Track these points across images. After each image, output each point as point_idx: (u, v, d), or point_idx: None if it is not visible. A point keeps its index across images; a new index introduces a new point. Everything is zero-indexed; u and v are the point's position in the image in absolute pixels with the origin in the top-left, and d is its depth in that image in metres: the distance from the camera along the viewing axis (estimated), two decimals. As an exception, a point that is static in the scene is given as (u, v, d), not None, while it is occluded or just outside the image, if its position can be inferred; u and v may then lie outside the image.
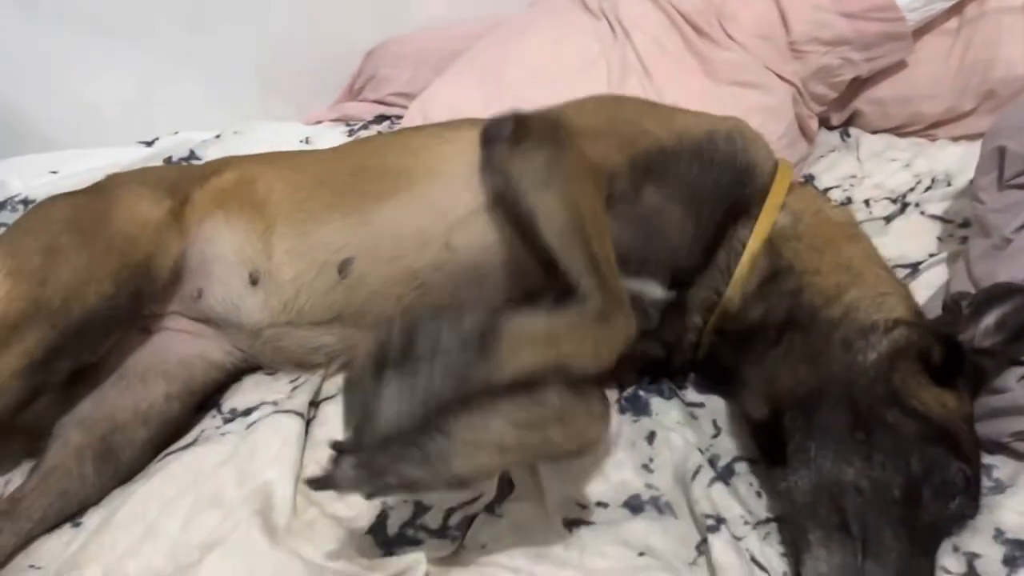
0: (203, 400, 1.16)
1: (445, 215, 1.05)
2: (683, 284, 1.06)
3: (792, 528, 0.93)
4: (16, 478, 1.06)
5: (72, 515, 1.00)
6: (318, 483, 0.72)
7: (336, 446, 0.72)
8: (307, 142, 1.81)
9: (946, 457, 0.89)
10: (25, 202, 1.61)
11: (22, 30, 1.81)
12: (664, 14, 1.67)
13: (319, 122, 1.95)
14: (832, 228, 1.08)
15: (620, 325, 0.80)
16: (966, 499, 0.91)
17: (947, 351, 0.95)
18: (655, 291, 1.04)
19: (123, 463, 1.05)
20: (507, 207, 0.97)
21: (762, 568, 0.89)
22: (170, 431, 1.10)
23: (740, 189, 1.07)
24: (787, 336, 1.01)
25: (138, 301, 1.07)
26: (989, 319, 0.98)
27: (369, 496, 0.73)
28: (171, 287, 1.13)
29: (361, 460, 0.70)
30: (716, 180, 1.05)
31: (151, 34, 1.90)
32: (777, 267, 1.05)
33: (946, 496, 0.89)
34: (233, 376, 1.19)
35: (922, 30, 1.68)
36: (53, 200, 1.18)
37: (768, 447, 1.00)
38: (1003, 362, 0.99)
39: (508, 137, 0.97)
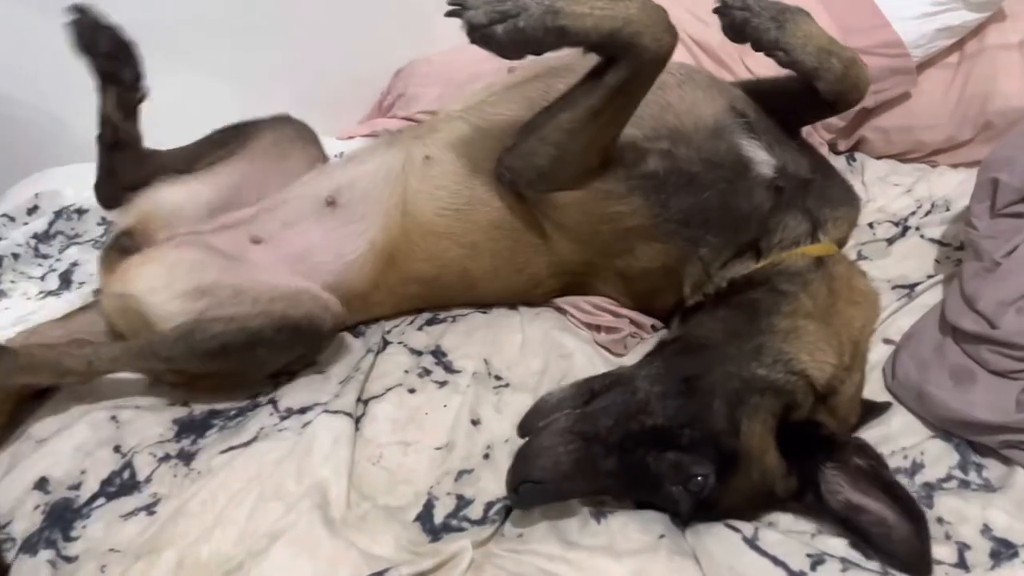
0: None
1: None
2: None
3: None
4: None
5: None
6: (452, 12, 1.01)
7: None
8: (341, 157, 1.90)
9: (708, 462, 0.97)
10: (80, 211, 1.70)
11: (64, 41, 1.90)
12: (684, 47, 1.76)
13: (352, 137, 2.04)
14: (848, 288, 1.20)
15: None
16: (684, 496, 0.98)
17: (808, 427, 1.04)
18: (764, 162, 1.22)
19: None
20: None
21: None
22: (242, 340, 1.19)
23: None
24: (741, 310, 1.13)
25: None
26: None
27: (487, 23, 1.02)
28: None
29: None
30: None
31: (192, 51, 1.99)
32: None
33: (675, 476, 0.97)
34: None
35: (924, 64, 1.79)
36: None
37: None
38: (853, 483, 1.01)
39: None
